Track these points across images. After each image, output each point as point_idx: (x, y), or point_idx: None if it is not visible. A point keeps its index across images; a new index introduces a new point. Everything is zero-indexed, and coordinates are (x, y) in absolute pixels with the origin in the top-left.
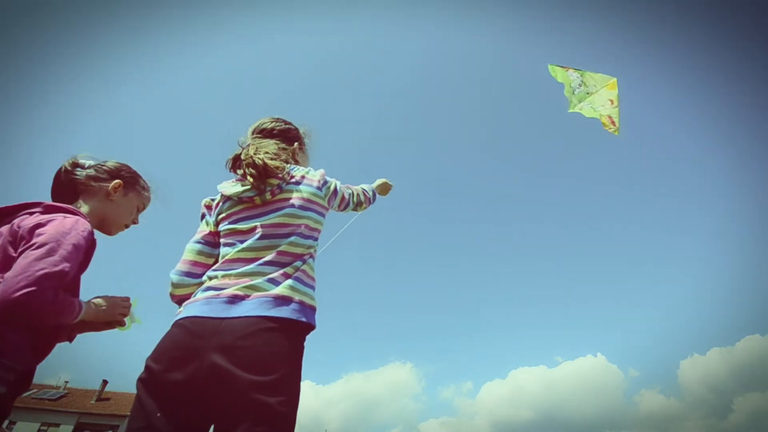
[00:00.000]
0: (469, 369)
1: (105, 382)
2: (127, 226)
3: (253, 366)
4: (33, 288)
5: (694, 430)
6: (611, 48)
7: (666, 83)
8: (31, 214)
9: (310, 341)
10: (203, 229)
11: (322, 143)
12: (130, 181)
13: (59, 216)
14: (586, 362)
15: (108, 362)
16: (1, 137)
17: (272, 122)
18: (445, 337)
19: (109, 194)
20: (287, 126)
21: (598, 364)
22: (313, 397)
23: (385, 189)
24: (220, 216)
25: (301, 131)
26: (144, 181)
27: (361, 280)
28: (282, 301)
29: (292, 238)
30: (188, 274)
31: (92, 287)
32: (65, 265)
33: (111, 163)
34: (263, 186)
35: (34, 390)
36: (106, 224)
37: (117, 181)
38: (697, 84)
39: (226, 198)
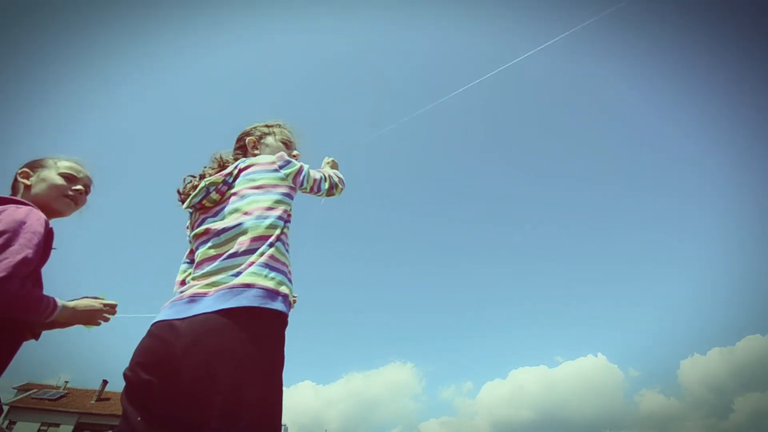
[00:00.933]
0: (469, 369)
1: (105, 382)
2: (70, 197)
3: (209, 364)
4: (9, 272)
5: (695, 430)
6: (611, 48)
7: (666, 83)
8: None
9: (312, 341)
10: (188, 248)
11: (321, 144)
12: (33, 164)
13: (11, 206)
14: (586, 362)
15: (108, 362)
16: (1, 137)
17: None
18: (446, 337)
19: (25, 184)
20: (242, 133)
21: (599, 364)
22: (313, 397)
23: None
24: (189, 231)
25: (264, 126)
26: (53, 156)
27: (361, 280)
28: (243, 288)
29: (251, 223)
30: None
31: (93, 281)
32: (28, 252)
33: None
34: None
35: (34, 390)
36: (47, 208)
37: (22, 170)
38: (697, 84)
39: (189, 214)
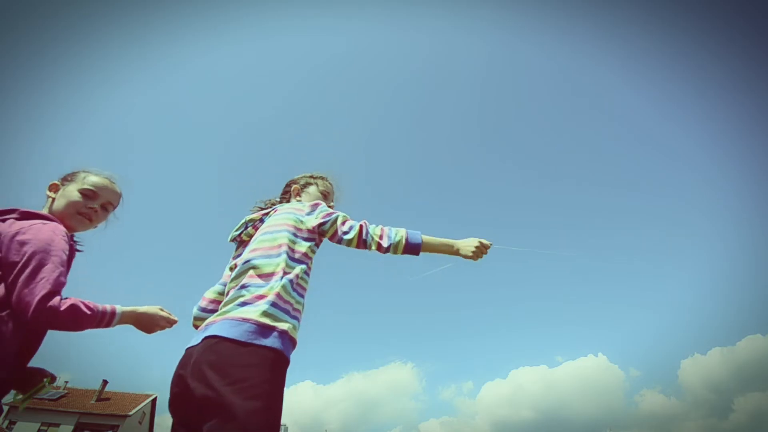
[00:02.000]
0: (470, 369)
1: (105, 382)
2: (84, 214)
3: (203, 377)
4: (50, 289)
5: (695, 429)
6: (611, 47)
7: (666, 82)
8: (4, 221)
9: (312, 340)
10: (226, 273)
11: (320, 143)
12: (65, 177)
13: (37, 222)
14: (587, 362)
15: (108, 362)
16: (2, 138)
17: None
18: (446, 337)
19: (51, 197)
20: (290, 180)
21: (599, 363)
22: (313, 397)
23: (451, 249)
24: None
25: (309, 177)
26: (86, 170)
27: (361, 280)
28: (239, 322)
29: (259, 260)
30: (204, 310)
31: (96, 285)
32: (62, 269)
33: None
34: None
35: None
36: (64, 223)
37: (52, 182)
38: (698, 83)
39: (236, 246)
